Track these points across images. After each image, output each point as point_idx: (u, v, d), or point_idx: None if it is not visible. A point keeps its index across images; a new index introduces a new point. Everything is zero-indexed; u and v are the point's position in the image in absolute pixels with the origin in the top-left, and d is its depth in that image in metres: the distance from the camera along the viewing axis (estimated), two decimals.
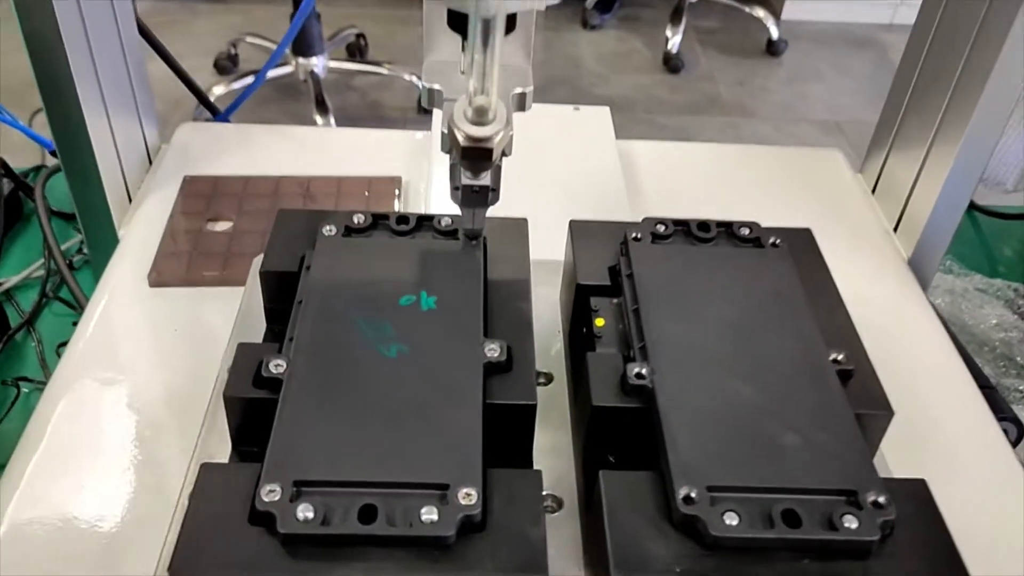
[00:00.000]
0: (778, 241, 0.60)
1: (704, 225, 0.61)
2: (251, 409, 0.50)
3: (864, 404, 0.51)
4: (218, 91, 2.35)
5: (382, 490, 0.44)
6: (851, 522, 0.44)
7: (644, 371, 0.51)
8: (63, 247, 1.08)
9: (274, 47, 1.46)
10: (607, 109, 0.96)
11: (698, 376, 0.51)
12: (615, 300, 0.58)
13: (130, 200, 0.88)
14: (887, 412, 0.52)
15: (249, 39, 2.59)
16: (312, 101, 2.39)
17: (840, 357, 0.53)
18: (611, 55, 2.95)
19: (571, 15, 3.09)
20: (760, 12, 2.98)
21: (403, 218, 0.60)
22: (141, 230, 0.83)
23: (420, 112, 2.52)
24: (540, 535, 0.44)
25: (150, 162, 0.93)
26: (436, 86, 0.55)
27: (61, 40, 0.73)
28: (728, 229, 0.61)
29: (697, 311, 0.55)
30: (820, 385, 0.51)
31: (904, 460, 0.55)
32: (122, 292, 0.77)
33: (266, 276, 0.58)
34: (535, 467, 0.54)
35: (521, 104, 0.55)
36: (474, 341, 0.52)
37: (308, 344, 0.52)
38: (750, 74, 2.91)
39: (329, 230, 0.59)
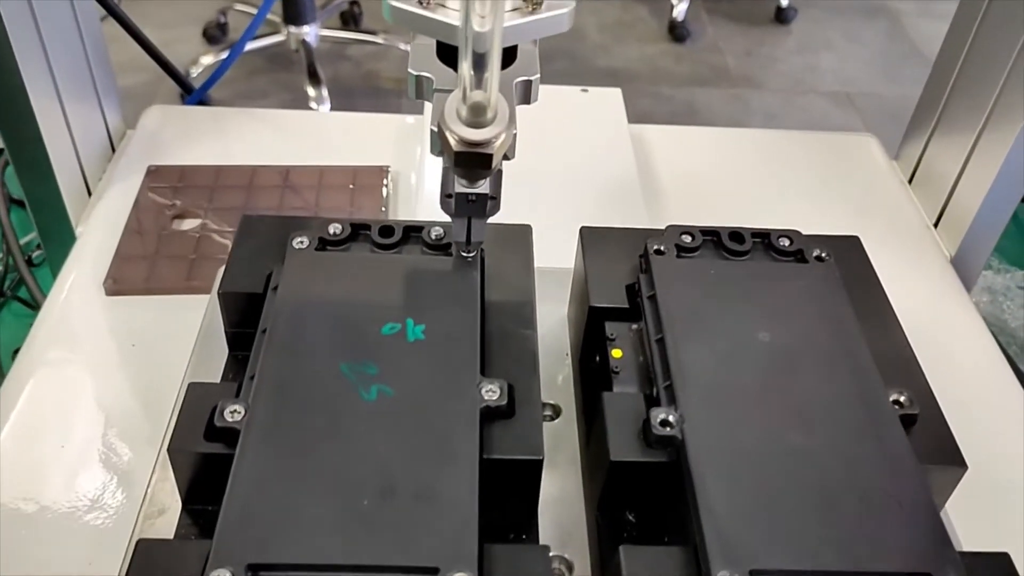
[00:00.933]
0: (824, 254, 0.51)
1: (737, 235, 0.52)
2: (202, 465, 0.42)
3: (933, 457, 0.43)
4: (206, 61, 2.24)
5: (357, 575, 0.37)
6: None
7: (671, 417, 0.43)
8: (25, 240, 1.00)
9: None
10: (618, 91, 0.87)
11: (736, 424, 0.43)
12: (635, 326, 0.50)
13: (89, 193, 0.79)
14: (959, 467, 0.44)
15: (239, 6, 2.48)
16: (304, 71, 2.30)
17: (902, 398, 0.45)
18: (614, 24, 2.83)
19: None
20: None
21: (387, 229, 0.51)
22: (101, 227, 0.75)
23: None
24: None
25: (113, 150, 0.84)
26: (425, 74, 0.46)
27: None
28: (765, 240, 0.52)
29: (732, 342, 0.47)
30: (881, 434, 0.43)
31: (964, 509, 0.47)
32: (77, 301, 0.68)
33: (226, 297, 0.50)
34: (539, 521, 0.46)
35: (526, 95, 0.47)
36: (469, 380, 0.44)
37: (271, 386, 0.43)
38: (758, 43, 2.79)
39: (300, 243, 0.50)
